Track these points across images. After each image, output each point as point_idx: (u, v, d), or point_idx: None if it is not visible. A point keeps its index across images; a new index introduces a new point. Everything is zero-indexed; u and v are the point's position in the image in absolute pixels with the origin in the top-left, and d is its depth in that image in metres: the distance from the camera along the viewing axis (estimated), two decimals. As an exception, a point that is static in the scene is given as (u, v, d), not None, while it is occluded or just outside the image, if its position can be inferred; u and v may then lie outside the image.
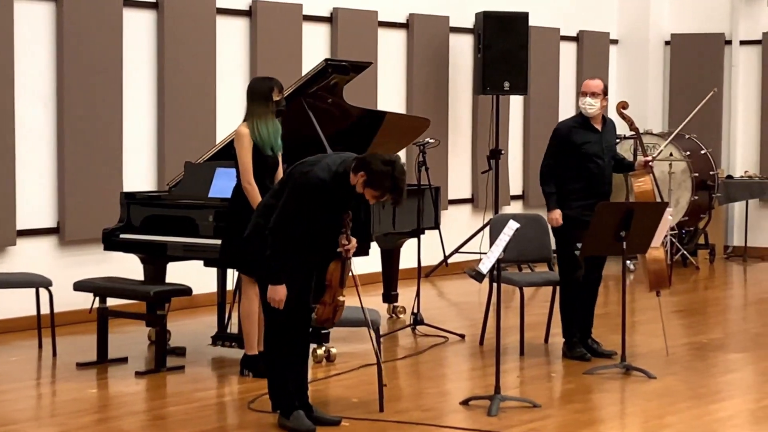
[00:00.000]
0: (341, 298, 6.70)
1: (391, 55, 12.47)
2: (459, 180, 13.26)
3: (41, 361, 8.60)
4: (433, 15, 12.85)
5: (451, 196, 13.05)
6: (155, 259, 8.89)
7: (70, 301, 9.11)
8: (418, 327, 9.60)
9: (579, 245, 8.26)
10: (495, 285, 7.24)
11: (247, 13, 11.18)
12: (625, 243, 8.08)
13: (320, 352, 8.36)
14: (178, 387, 7.76)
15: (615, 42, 15.15)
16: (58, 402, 7.57)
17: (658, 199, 9.21)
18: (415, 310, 9.67)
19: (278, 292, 6.48)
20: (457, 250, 12.70)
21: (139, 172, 10.38)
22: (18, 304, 9.25)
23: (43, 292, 8.69)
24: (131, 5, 10.28)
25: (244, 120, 7.82)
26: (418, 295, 9.71)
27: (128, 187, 10.00)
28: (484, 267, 7.03)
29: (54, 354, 8.60)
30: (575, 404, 7.41)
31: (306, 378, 6.80)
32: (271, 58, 11.10)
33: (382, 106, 11.75)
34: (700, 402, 7.45)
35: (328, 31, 11.88)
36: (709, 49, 14.83)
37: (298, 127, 8.40)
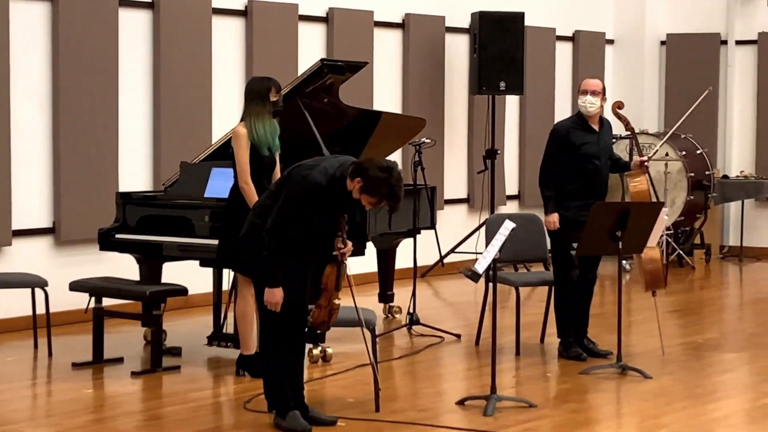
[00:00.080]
0: (337, 302, 6.70)
1: (387, 55, 12.47)
2: (455, 180, 13.26)
3: (37, 361, 8.60)
4: (429, 15, 12.85)
5: (447, 196, 13.05)
6: (151, 259, 8.89)
7: (66, 301, 9.10)
8: (414, 327, 9.60)
9: (575, 245, 8.27)
10: (491, 285, 7.23)
11: (242, 13, 11.17)
12: (620, 243, 8.08)
13: (316, 352, 8.37)
14: (174, 387, 7.76)
15: (611, 42, 15.15)
16: (54, 402, 7.57)
17: (654, 199, 9.22)
18: (411, 310, 9.67)
19: (275, 295, 6.48)
20: (452, 250, 12.70)
21: (135, 172, 10.37)
22: (14, 304, 9.25)
23: (38, 292, 8.69)
24: (127, 5, 10.27)
25: (242, 120, 7.82)
26: (414, 295, 9.71)
27: (124, 187, 9.99)
28: (480, 267, 7.03)
29: (50, 354, 8.60)
30: (571, 404, 7.41)
31: (302, 378, 6.79)
32: (267, 58, 11.10)
33: (378, 105, 11.75)
34: (696, 402, 7.45)
35: (324, 31, 11.88)
36: (705, 49, 14.83)
37: (294, 127, 8.39)
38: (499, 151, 12.92)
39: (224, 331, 8.75)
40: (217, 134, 10.29)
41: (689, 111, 10.38)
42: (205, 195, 8.62)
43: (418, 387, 7.98)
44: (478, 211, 13.06)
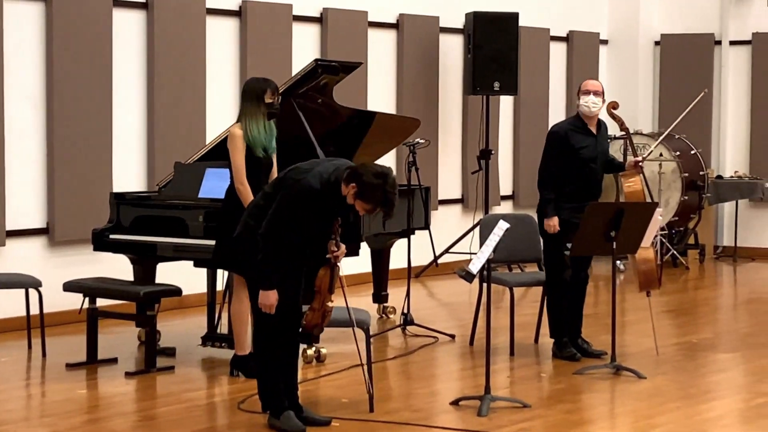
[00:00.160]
0: (330, 304, 6.70)
1: (381, 56, 12.47)
2: (449, 180, 13.26)
3: (31, 362, 8.59)
4: (423, 15, 12.84)
5: (441, 197, 13.05)
6: (145, 260, 8.88)
7: (60, 301, 9.10)
8: (408, 327, 9.60)
9: (569, 245, 8.27)
10: (485, 285, 7.24)
11: (236, 14, 11.17)
12: (615, 243, 8.09)
13: (310, 352, 8.36)
14: (168, 387, 7.75)
15: (605, 42, 15.16)
16: (48, 403, 7.56)
17: (648, 200, 9.22)
18: (405, 311, 9.67)
19: (269, 298, 6.48)
20: (447, 251, 12.70)
21: (129, 173, 10.36)
22: (7, 304, 9.24)
23: (32, 292, 8.68)
24: (121, 5, 10.26)
25: (237, 120, 7.82)
26: (408, 295, 9.70)
27: (118, 187, 9.98)
28: (474, 267, 7.03)
29: (44, 355, 8.59)
30: (565, 404, 7.41)
31: (296, 378, 6.79)
32: (261, 59, 11.09)
33: (372, 106, 11.75)
34: (690, 402, 7.45)
35: (318, 32, 11.87)
36: (699, 50, 14.85)
37: (288, 127, 8.39)
38: (493, 152, 12.93)
39: (218, 331, 8.75)
40: (211, 135, 10.28)
41: (684, 113, 10.37)
42: (199, 195, 8.61)
43: (412, 387, 7.98)
44: (473, 211, 13.07)
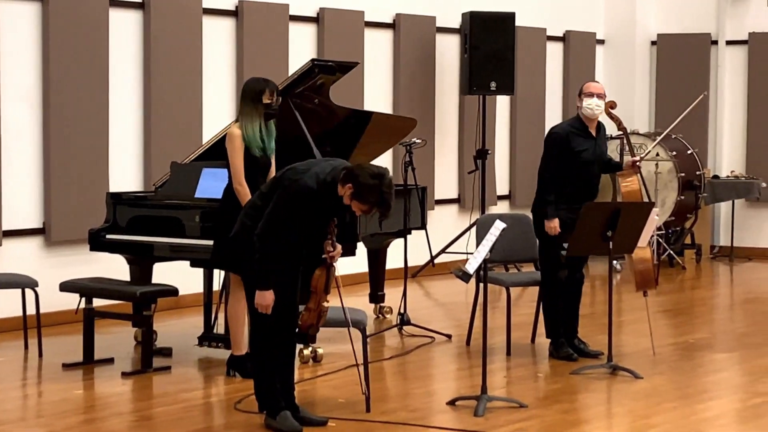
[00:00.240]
0: (326, 304, 6.69)
1: (377, 56, 12.46)
2: (445, 180, 13.25)
3: (27, 362, 8.58)
4: (420, 15, 12.84)
5: (437, 196, 13.05)
6: (141, 260, 8.88)
7: (56, 301, 9.09)
8: (404, 327, 9.60)
9: (566, 245, 8.27)
10: (482, 285, 7.23)
11: (233, 14, 11.16)
12: (611, 243, 8.09)
13: (307, 352, 8.36)
14: (165, 387, 7.75)
15: (601, 42, 15.17)
16: (44, 403, 7.55)
17: (645, 199, 9.22)
18: (402, 311, 9.67)
19: (266, 298, 6.48)
20: (443, 251, 12.70)
21: (126, 173, 10.36)
22: (4, 304, 9.24)
23: (29, 292, 8.68)
24: (117, 5, 10.25)
25: (236, 120, 7.82)
26: (404, 295, 9.70)
27: (114, 187, 9.98)
28: (471, 267, 7.03)
29: (40, 355, 8.58)
30: (562, 404, 7.41)
31: (292, 378, 6.79)
32: (258, 58, 11.09)
33: (368, 106, 11.74)
34: (686, 402, 7.45)
35: (315, 31, 11.87)
36: (696, 50, 14.85)
37: (284, 127, 8.38)
38: (489, 151, 12.93)
39: (215, 331, 8.74)
40: (208, 134, 10.28)
41: (682, 115, 10.36)
42: (196, 195, 8.61)
43: (408, 387, 7.98)
44: (469, 211, 13.06)
